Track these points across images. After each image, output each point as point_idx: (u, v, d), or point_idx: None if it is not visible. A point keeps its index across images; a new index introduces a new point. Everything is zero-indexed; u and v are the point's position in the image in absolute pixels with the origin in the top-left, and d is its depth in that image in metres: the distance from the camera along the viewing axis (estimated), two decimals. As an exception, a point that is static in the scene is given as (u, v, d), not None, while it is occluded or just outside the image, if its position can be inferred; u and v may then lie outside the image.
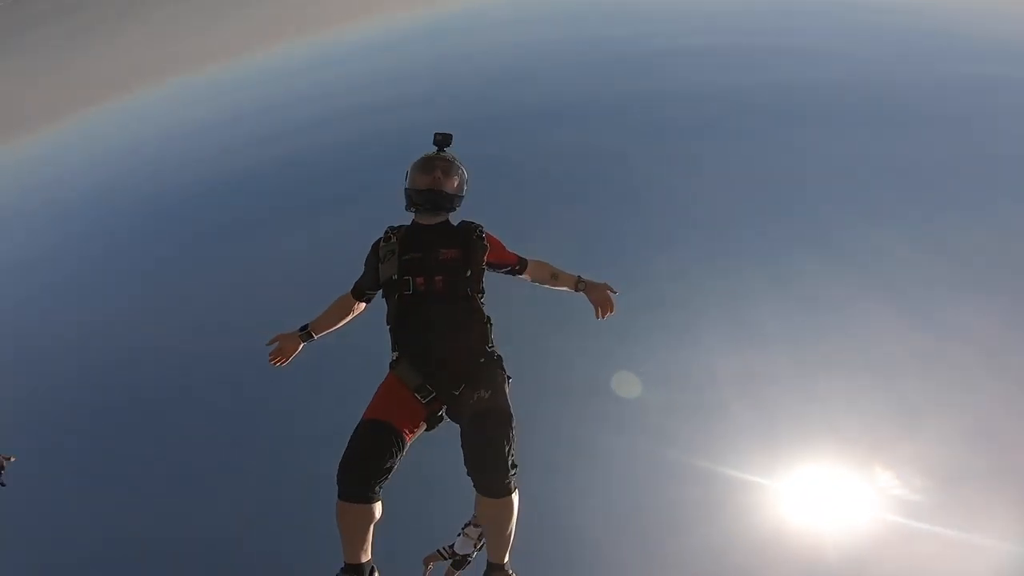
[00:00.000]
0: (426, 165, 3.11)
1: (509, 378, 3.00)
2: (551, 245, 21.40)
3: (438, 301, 2.90)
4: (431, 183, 3.04)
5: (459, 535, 9.95)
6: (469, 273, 3.02)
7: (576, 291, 3.45)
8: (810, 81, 27.09)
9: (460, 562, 9.90)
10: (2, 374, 20.84)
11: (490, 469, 2.59)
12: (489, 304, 3.17)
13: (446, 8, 54.97)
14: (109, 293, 24.61)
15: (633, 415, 15.91)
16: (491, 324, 3.11)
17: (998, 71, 23.77)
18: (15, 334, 23.05)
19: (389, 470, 2.65)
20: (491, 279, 3.31)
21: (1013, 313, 15.87)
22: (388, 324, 3.00)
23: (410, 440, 2.79)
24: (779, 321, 17.24)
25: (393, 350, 2.95)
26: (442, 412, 2.95)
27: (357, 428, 2.72)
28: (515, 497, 2.68)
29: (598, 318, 3.46)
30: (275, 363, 3.26)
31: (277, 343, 3.18)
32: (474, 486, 2.66)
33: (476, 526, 9.86)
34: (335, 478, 2.62)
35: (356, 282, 3.17)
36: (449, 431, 2.90)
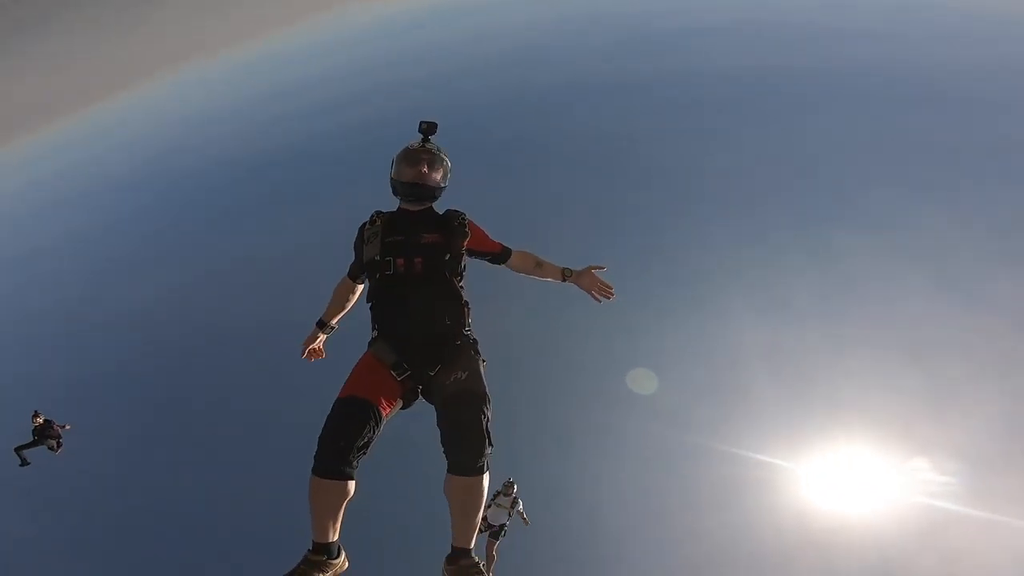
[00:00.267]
0: (411, 158, 3.10)
1: (484, 361, 3.04)
2: (575, 223, 21.29)
3: (417, 282, 2.95)
4: (416, 176, 3.07)
5: (490, 507, 10.15)
6: (448, 256, 3.04)
7: (563, 281, 3.43)
8: (842, 59, 26.20)
9: (497, 532, 10.21)
10: (48, 353, 21.69)
11: (465, 448, 2.64)
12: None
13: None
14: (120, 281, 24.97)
15: (658, 395, 15.68)
16: (469, 308, 3.14)
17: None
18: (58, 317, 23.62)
19: (366, 445, 2.66)
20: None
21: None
22: (368, 302, 3.05)
23: (387, 416, 2.79)
24: (811, 297, 16.77)
25: (372, 328, 3.00)
26: (418, 390, 2.96)
27: (335, 405, 2.72)
28: (486, 478, 2.70)
29: (598, 301, 3.42)
30: (312, 359, 3.55)
31: (307, 352, 3.51)
32: (448, 465, 2.69)
33: (507, 495, 10.15)
34: (313, 455, 2.62)
35: (351, 265, 3.22)
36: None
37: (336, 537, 2.68)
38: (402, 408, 2.93)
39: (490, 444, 2.67)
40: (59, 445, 12.27)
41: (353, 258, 3.17)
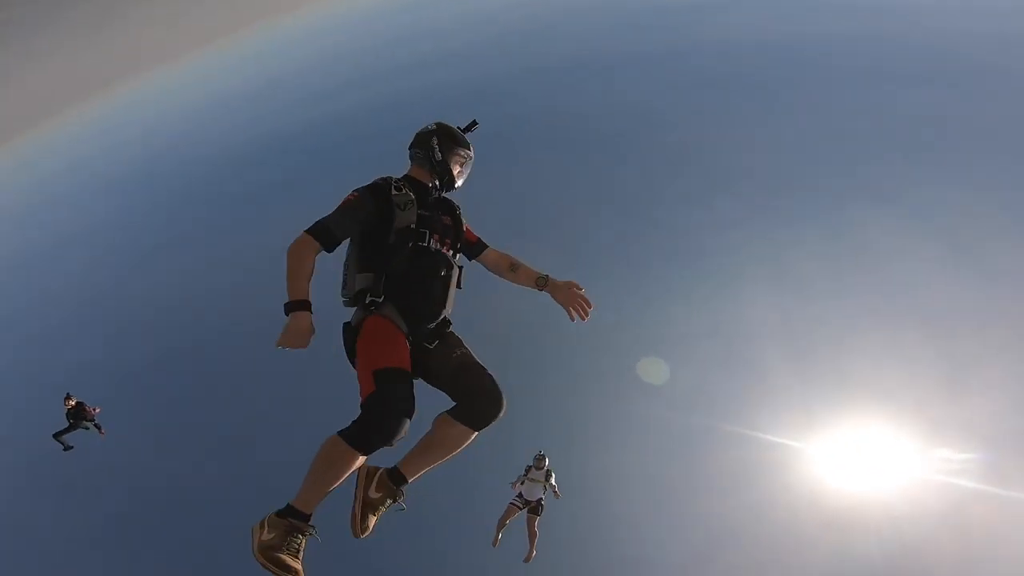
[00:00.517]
0: (464, 157, 3.14)
1: None
2: (585, 198, 21.02)
3: (443, 262, 2.96)
4: (458, 176, 3.13)
5: (521, 483, 9.99)
6: (460, 244, 3.14)
7: (538, 288, 3.31)
8: (854, 29, 25.41)
9: (535, 508, 10.03)
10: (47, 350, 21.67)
11: (493, 397, 2.72)
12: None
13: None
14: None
15: (670, 377, 15.49)
16: None
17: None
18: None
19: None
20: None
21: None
22: (381, 269, 2.85)
23: None
24: (827, 273, 16.46)
25: (374, 295, 2.80)
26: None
27: (387, 376, 2.58)
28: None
29: (572, 320, 3.22)
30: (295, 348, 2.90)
31: (288, 344, 2.73)
32: (464, 416, 2.74)
33: (539, 468, 9.91)
34: (360, 425, 2.52)
35: (327, 228, 2.81)
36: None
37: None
38: None
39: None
40: (99, 428, 12.04)
41: (335, 217, 2.82)
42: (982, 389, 14.22)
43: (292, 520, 2.52)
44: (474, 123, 3.16)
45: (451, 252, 3.02)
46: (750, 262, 17.63)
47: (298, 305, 2.66)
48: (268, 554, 2.44)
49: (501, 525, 10.18)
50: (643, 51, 28.51)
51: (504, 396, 2.71)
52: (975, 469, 13.29)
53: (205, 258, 24.39)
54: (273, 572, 2.43)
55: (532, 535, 10.16)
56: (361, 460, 2.58)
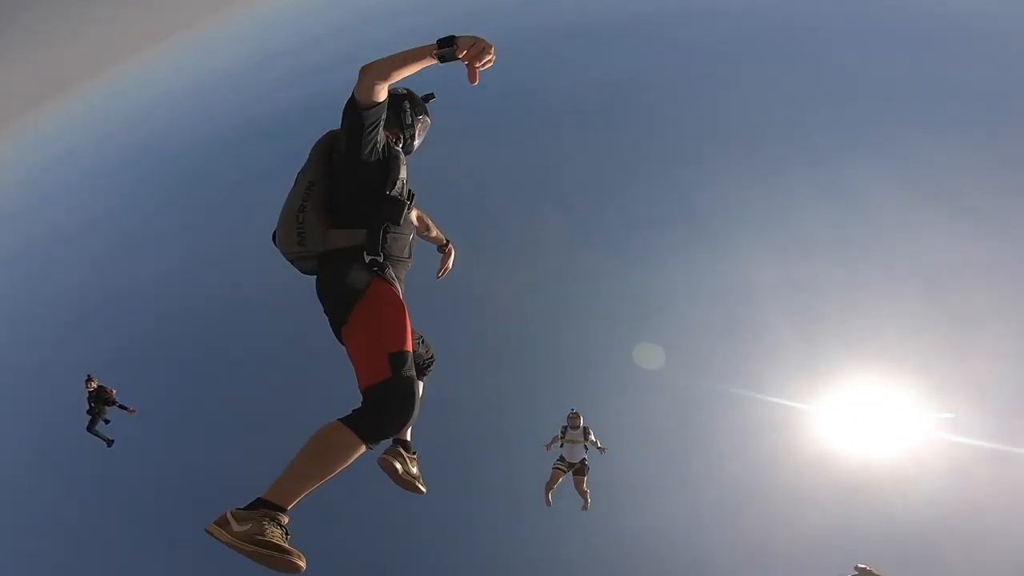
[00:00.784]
0: (427, 123, 3.05)
1: None
2: (582, 165, 20.79)
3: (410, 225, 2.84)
4: (418, 141, 3.06)
5: (559, 445, 9.82)
6: None
7: (439, 250, 3.45)
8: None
9: (580, 468, 9.85)
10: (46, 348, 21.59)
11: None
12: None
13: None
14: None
15: (671, 339, 15.52)
16: None
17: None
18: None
19: None
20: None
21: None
22: (378, 225, 2.58)
23: None
24: (826, 229, 16.33)
25: (373, 253, 2.55)
26: None
27: (405, 362, 2.38)
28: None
29: (438, 277, 3.41)
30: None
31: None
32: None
33: (575, 428, 9.73)
34: (377, 415, 2.28)
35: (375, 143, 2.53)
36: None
37: None
38: None
39: None
40: (126, 408, 11.54)
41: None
42: (983, 347, 14.24)
43: (267, 510, 2.07)
44: (431, 95, 3.04)
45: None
46: (747, 225, 17.58)
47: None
48: (253, 538, 1.97)
49: (548, 489, 9.92)
50: (627, 18, 27.88)
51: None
52: (974, 426, 13.35)
53: (196, 247, 24.22)
54: (269, 554, 1.96)
55: (583, 494, 9.96)
56: (358, 453, 2.24)
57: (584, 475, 9.85)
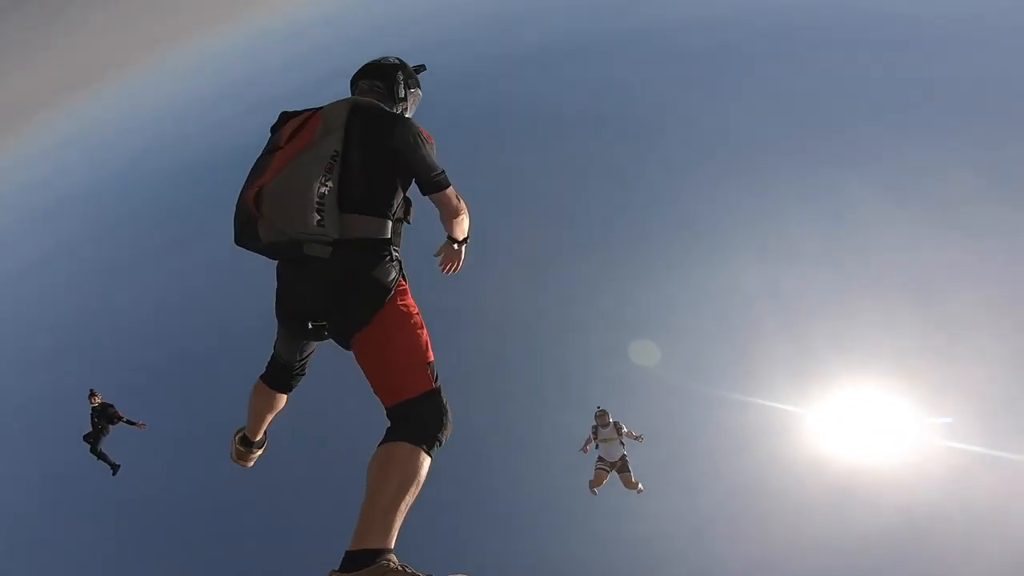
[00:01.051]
0: (420, 96, 2.83)
1: None
2: (573, 178, 21.00)
3: None
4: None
5: (594, 446, 9.62)
6: None
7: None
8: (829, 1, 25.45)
9: (623, 465, 9.62)
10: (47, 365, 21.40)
11: None
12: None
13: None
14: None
15: (665, 346, 15.65)
16: None
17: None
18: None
19: None
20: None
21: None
22: (399, 221, 2.36)
23: None
24: (813, 239, 16.50)
25: (398, 247, 2.33)
26: None
27: (437, 372, 2.22)
28: None
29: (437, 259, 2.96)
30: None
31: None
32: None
33: (605, 425, 9.55)
34: (442, 428, 2.11)
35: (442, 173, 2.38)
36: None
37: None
38: None
39: None
40: (132, 423, 10.63)
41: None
42: (974, 350, 14.38)
43: (383, 560, 1.81)
44: (423, 67, 2.82)
45: None
46: (739, 232, 17.83)
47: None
48: None
49: (593, 487, 9.73)
50: (609, 31, 28.35)
51: None
52: (966, 430, 13.43)
53: (194, 262, 24.26)
54: None
55: (632, 487, 9.72)
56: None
57: (627, 471, 9.63)
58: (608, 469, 9.66)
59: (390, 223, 2.27)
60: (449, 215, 2.51)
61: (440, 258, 2.74)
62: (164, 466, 16.61)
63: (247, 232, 2.17)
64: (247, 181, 2.21)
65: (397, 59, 2.69)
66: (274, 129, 2.39)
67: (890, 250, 16.40)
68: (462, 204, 2.50)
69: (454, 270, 2.77)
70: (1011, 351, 14.13)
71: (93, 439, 10.81)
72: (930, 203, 16.51)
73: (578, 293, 18.21)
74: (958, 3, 22.59)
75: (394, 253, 2.27)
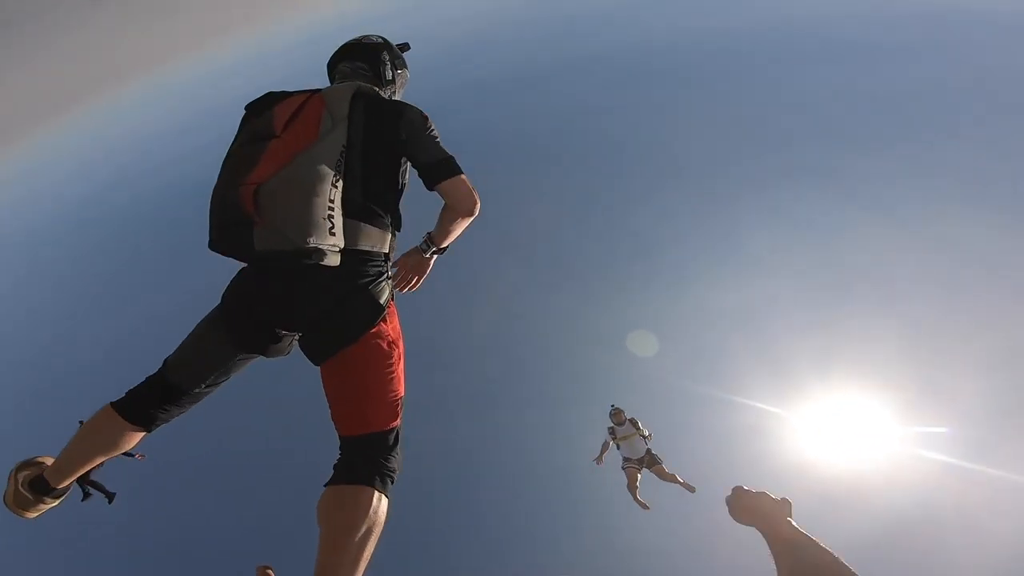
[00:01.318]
0: (407, 77, 2.55)
1: None
2: (535, 204, 21.15)
3: None
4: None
5: (617, 447, 9.21)
6: None
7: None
8: (780, 19, 26.52)
9: (651, 460, 9.12)
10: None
11: None
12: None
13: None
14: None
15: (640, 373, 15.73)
16: None
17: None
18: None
19: None
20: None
21: (1004, 219, 15.46)
22: (396, 227, 2.11)
23: None
24: (777, 251, 16.68)
25: (389, 273, 2.07)
26: None
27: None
28: None
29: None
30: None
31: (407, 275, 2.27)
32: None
33: (620, 423, 9.26)
34: (397, 470, 1.94)
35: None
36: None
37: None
38: None
39: None
40: (130, 454, 9.17)
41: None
42: (940, 354, 14.62)
43: None
44: (407, 45, 2.54)
45: None
46: (702, 247, 18.12)
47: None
48: None
49: (632, 491, 9.08)
50: (567, 56, 29.00)
51: None
52: (949, 443, 13.15)
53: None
54: None
55: (671, 479, 9.03)
56: None
57: (659, 463, 9.06)
58: (637, 467, 9.10)
59: (390, 235, 2.03)
60: (461, 210, 2.11)
61: (398, 271, 2.24)
62: (159, 492, 15.98)
63: (233, 237, 1.78)
64: (230, 173, 1.85)
65: (380, 37, 2.42)
66: (255, 110, 2.04)
67: (853, 256, 16.75)
68: (476, 198, 2.12)
69: (414, 287, 2.33)
70: (980, 356, 14.19)
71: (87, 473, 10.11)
72: (891, 211, 16.82)
73: (565, 303, 18.30)
74: (900, 18, 23.79)
75: (388, 270, 2.04)
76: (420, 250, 2.26)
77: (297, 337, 2.02)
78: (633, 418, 9.25)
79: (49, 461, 2.15)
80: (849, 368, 14.74)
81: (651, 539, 13.23)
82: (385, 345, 1.93)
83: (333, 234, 1.77)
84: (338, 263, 1.82)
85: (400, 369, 1.98)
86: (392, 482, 1.88)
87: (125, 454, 7.89)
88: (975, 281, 15.20)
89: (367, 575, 1.75)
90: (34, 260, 29.45)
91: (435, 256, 2.28)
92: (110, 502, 10.21)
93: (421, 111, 2.11)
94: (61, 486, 2.12)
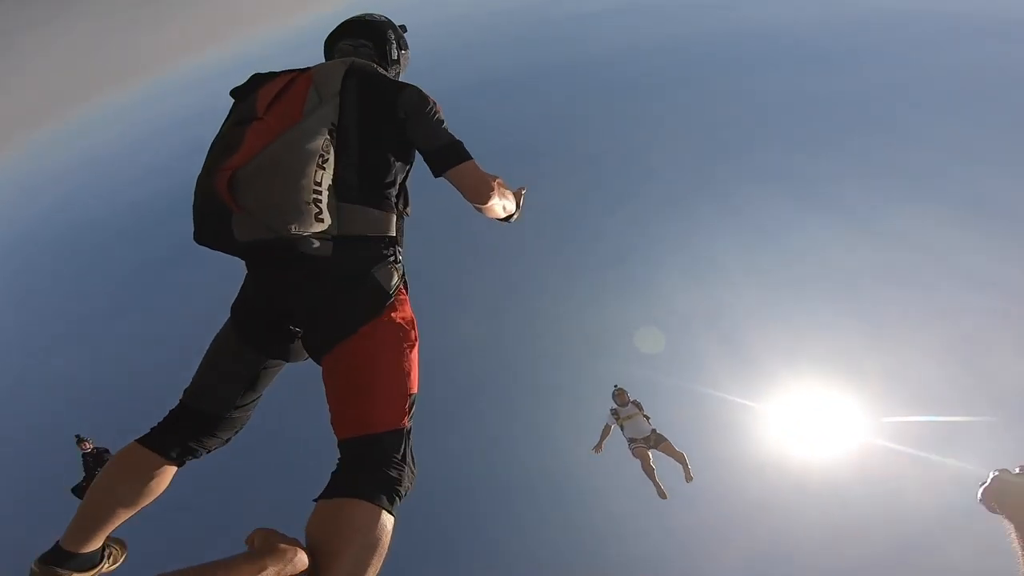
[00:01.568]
0: (407, 64, 2.39)
1: None
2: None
3: None
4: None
5: (620, 427, 8.96)
6: None
7: None
8: (731, 27, 27.59)
9: (658, 438, 8.83)
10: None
11: None
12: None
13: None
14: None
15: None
16: None
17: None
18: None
19: None
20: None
21: (953, 212, 16.30)
22: (402, 207, 1.94)
23: None
24: (740, 253, 17.07)
25: (401, 245, 1.91)
26: None
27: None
28: None
29: None
30: None
31: None
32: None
33: (624, 404, 9.05)
34: (408, 479, 1.66)
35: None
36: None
37: None
38: None
39: None
40: None
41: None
42: (896, 344, 15.10)
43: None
44: (404, 27, 2.40)
45: None
46: (666, 253, 18.39)
47: None
48: None
49: (649, 473, 8.77)
50: (529, 66, 29.53)
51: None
52: (914, 435, 13.19)
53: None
54: None
55: (678, 457, 8.72)
56: None
57: (666, 440, 8.78)
58: (645, 445, 8.78)
59: (395, 217, 1.85)
60: (472, 200, 1.90)
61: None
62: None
63: (214, 227, 1.67)
64: (210, 160, 1.71)
65: (384, 16, 2.26)
66: (242, 94, 1.88)
67: (808, 254, 17.28)
68: (491, 185, 1.89)
69: None
70: (937, 345, 14.75)
71: (85, 488, 9.48)
72: (835, 209, 17.50)
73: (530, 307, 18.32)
74: (841, 19, 24.97)
75: (398, 254, 1.85)
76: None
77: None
78: (637, 400, 9.09)
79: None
80: (816, 361, 15.13)
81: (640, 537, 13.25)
82: (391, 335, 1.72)
83: (320, 220, 1.60)
84: (330, 252, 1.65)
85: (410, 362, 1.73)
86: (399, 497, 1.58)
87: None
88: (926, 272, 15.87)
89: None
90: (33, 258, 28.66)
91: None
92: None
93: (420, 89, 1.91)
94: (89, 550, 1.78)
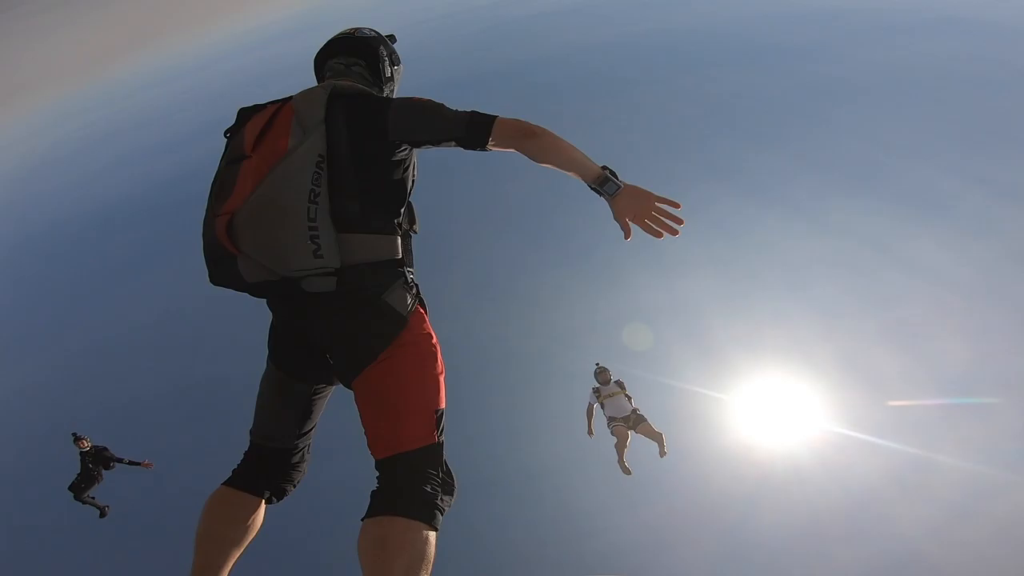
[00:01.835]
0: (400, 79, 2.31)
1: None
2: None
3: None
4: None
5: (600, 406, 8.82)
6: None
7: None
8: (678, 26, 28.46)
9: (638, 418, 8.71)
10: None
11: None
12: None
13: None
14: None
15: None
16: None
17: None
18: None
19: None
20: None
21: (891, 205, 17.21)
22: (407, 233, 1.93)
23: None
24: (694, 248, 17.18)
25: (410, 264, 1.90)
26: None
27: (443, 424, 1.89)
28: None
29: None
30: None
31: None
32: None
33: (605, 382, 8.93)
34: (449, 495, 1.74)
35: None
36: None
37: None
38: None
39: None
40: (137, 463, 9.21)
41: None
42: (850, 332, 15.72)
43: None
44: (393, 37, 2.30)
45: None
46: (624, 249, 18.44)
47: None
48: None
49: (622, 451, 8.57)
50: (480, 66, 29.66)
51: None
52: (878, 425, 13.50)
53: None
54: None
55: (656, 437, 8.64)
56: None
57: (646, 421, 8.67)
58: (624, 425, 8.66)
59: (398, 239, 1.83)
60: (526, 150, 1.80)
61: (626, 234, 1.87)
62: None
63: (224, 271, 1.71)
64: (209, 204, 1.74)
65: (372, 30, 2.18)
66: (233, 131, 1.88)
67: (760, 248, 17.87)
68: (525, 124, 1.79)
69: (661, 230, 1.89)
70: (881, 332, 15.44)
71: (83, 486, 9.32)
72: (785, 203, 18.16)
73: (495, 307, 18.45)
74: (787, 19, 25.88)
75: (408, 275, 1.85)
76: (607, 199, 1.88)
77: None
78: (620, 380, 9.04)
79: None
80: (775, 351, 15.62)
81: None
82: (413, 355, 1.78)
83: (320, 256, 1.62)
84: (333, 287, 1.68)
85: (434, 378, 1.79)
86: (440, 511, 1.66)
87: (131, 462, 8.31)
88: (868, 261, 16.54)
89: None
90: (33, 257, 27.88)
91: (611, 190, 1.87)
92: (103, 516, 9.99)
93: (402, 97, 1.89)
94: None
